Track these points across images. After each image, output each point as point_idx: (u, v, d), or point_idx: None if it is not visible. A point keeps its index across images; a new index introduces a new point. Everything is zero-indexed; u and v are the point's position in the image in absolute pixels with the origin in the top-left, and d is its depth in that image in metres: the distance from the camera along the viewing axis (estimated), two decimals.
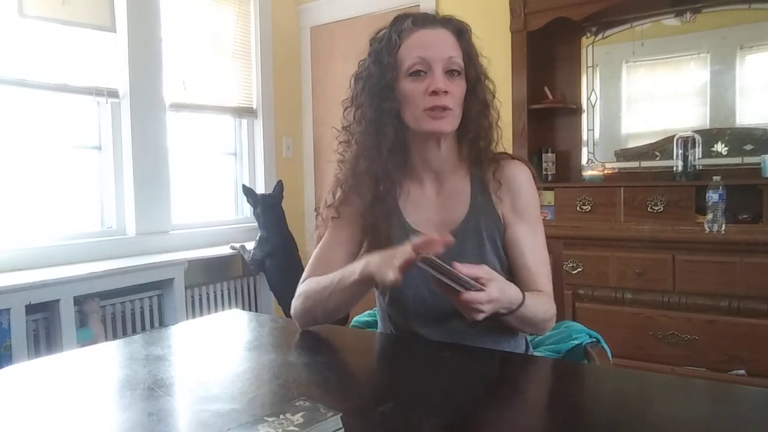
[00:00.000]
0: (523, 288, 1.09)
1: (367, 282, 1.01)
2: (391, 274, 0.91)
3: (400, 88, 1.07)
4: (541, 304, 1.05)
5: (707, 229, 2.29)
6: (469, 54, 1.10)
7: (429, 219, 1.13)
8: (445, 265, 0.86)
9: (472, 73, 1.10)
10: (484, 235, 1.11)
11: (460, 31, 1.10)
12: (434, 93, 1.04)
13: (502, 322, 1.02)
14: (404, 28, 1.08)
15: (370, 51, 1.12)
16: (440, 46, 1.06)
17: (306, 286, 1.14)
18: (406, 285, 1.08)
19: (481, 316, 0.90)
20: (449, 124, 1.07)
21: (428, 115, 1.05)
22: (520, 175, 1.13)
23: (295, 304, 1.15)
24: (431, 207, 1.15)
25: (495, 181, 1.12)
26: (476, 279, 0.89)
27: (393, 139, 1.08)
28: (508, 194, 1.12)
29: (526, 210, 1.12)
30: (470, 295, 0.88)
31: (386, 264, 0.93)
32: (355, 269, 1.03)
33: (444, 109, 1.05)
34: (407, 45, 1.07)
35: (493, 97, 1.15)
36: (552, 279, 1.14)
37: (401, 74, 1.07)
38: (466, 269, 0.88)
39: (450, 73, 1.07)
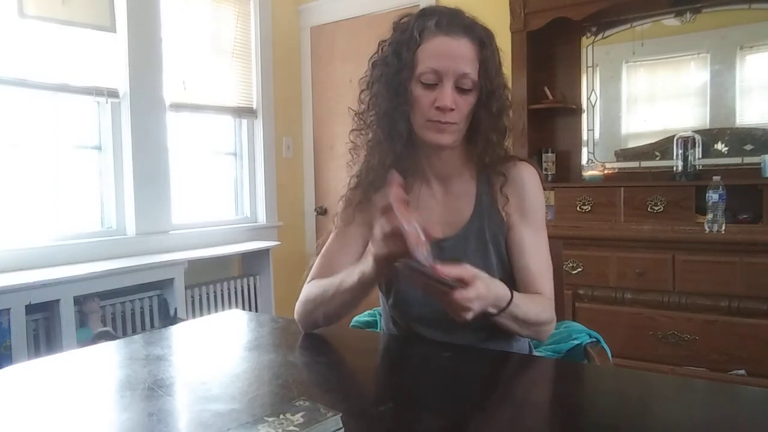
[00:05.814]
0: (523, 290, 1.08)
1: (367, 283, 1.01)
2: (383, 248, 0.91)
3: (411, 90, 1.05)
4: (534, 305, 1.03)
5: (707, 229, 2.29)
6: (487, 65, 1.04)
7: (434, 220, 1.12)
8: (426, 269, 0.84)
9: (487, 85, 1.05)
10: (488, 236, 1.11)
11: (483, 41, 1.05)
12: (439, 108, 1.02)
13: (502, 327, 1.00)
14: (427, 28, 1.04)
15: (392, 38, 1.08)
16: (456, 59, 1.02)
17: (308, 289, 1.13)
18: (410, 288, 1.08)
19: (470, 315, 0.87)
20: (450, 138, 1.06)
21: (431, 127, 1.04)
22: (528, 178, 1.12)
23: (298, 307, 1.14)
24: (437, 208, 1.14)
25: (502, 182, 1.11)
26: (460, 279, 0.86)
27: (406, 136, 1.07)
28: (515, 195, 1.11)
29: (531, 212, 1.12)
30: (458, 293, 0.84)
31: (377, 253, 0.93)
32: (354, 272, 1.02)
33: (447, 123, 1.03)
34: (425, 49, 1.03)
35: (510, 105, 1.11)
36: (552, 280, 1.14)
37: (414, 76, 1.04)
38: (447, 270, 0.85)
39: (460, 87, 1.03)
